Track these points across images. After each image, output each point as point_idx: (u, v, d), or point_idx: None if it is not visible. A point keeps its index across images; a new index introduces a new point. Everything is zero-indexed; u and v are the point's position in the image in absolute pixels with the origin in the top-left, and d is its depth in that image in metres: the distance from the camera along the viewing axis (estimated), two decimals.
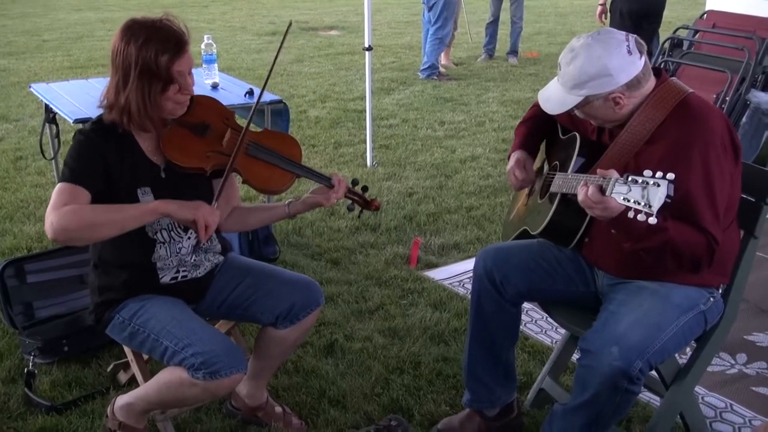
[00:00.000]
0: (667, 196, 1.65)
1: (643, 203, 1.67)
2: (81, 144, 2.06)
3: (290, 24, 2.26)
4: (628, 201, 1.70)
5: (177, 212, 1.99)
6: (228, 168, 2.11)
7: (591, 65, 1.97)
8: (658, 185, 1.65)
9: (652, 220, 1.66)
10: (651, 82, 2.05)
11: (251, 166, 2.18)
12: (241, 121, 2.28)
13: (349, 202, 2.36)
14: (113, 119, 2.06)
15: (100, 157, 2.04)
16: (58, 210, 1.92)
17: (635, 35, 2.03)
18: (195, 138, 2.14)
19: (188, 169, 2.12)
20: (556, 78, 2.10)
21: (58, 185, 2.00)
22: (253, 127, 2.20)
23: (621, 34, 2.01)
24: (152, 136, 2.13)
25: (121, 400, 2.28)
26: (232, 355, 2.05)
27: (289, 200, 2.30)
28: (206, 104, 2.21)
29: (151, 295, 2.18)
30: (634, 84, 2.00)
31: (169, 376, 2.09)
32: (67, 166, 2.03)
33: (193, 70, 2.11)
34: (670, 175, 1.66)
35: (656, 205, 1.65)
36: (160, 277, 2.19)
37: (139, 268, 2.17)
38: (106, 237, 2.02)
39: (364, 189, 2.36)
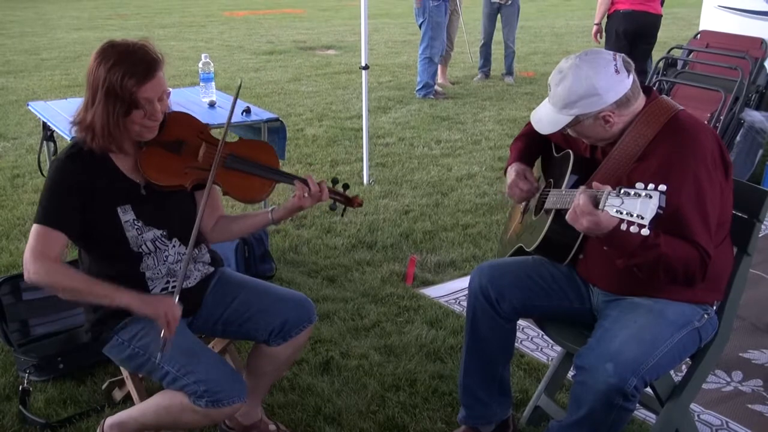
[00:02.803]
0: (659, 207, 1.67)
1: (635, 215, 1.68)
2: (54, 178, 2.08)
3: (240, 83, 2.40)
4: (621, 213, 1.71)
5: (139, 308, 2.03)
6: (208, 184, 2.13)
7: (579, 85, 2.00)
8: (650, 196, 1.67)
9: (645, 232, 1.67)
10: (641, 100, 2.08)
11: (230, 178, 2.20)
12: (218, 134, 2.29)
13: (331, 201, 2.34)
14: (79, 137, 2.09)
15: (75, 189, 2.05)
16: (42, 261, 1.99)
17: (623, 54, 2.06)
18: (171, 156, 2.16)
19: (168, 188, 2.15)
20: (547, 99, 2.12)
21: (34, 226, 2.04)
22: (228, 138, 2.22)
23: (608, 54, 2.03)
24: (129, 156, 2.14)
25: (111, 420, 2.26)
26: (234, 383, 2.05)
27: (272, 207, 2.32)
28: (180, 120, 2.23)
29: None
30: (623, 102, 2.03)
31: (169, 400, 2.08)
32: (41, 205, 2.06)
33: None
34: (662, 187, 1.68)
35: (648, 216, 1.67)
36: (151, 288, 2.19)
37: (128, 280, 2.15)
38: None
39: (345, 187, 2.34)
